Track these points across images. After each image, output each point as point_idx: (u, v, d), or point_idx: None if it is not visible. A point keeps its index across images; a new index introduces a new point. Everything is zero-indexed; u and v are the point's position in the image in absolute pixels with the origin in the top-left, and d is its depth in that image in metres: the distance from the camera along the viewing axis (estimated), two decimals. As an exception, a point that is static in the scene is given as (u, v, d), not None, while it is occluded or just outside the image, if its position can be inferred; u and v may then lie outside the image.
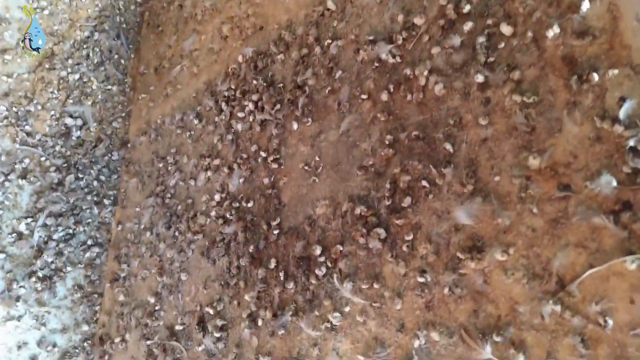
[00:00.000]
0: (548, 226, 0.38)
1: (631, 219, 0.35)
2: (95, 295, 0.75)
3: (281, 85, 0.65)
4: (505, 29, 0.46)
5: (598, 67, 0.40)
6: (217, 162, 0.69)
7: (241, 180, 0.64)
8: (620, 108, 0.37)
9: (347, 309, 0.48)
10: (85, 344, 0.72)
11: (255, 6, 0.75)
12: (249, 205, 0.62)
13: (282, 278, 0.54)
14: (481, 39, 0.47)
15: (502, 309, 0.39)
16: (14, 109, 0.84)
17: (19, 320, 0.70)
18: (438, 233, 0.44)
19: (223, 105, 0.72)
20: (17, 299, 0.70)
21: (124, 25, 1.00)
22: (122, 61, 0.97)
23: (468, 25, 0.48)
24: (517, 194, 0.40)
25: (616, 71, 0.39)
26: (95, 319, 0.74)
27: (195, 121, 0.75)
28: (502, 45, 0.46)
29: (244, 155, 0.65)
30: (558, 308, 0.36)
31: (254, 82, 0.68)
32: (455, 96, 0.47)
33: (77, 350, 0.71)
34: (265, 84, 0.67)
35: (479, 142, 0.44)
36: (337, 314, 0.48)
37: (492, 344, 0.38)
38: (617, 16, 0.40)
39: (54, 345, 0.70)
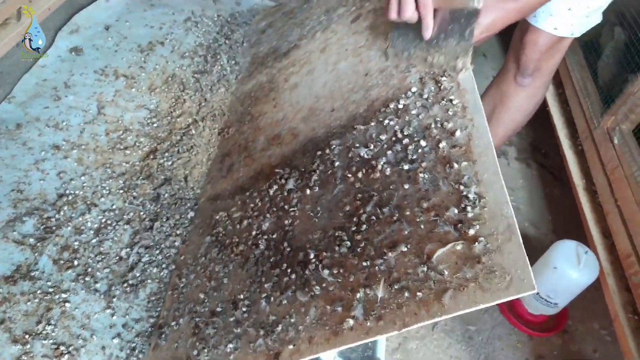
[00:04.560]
0: (426, 233, 0.75)
1: (462, 228, 0.72)
2: (162, 300, 1.09)
3: (303, 170, 1.07)
4: (423, 143, 0.88)
5: (458, 160, 0.80)
6: (256, 213, 1.08)
7: (271, 222, 1.03)
8: (463, 178, 0.77)
9: (324, 284, 0.82)
10: (151, 329, 1.04)
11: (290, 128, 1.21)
12: (274, 236, 0.99)
13: (288, 273, 0.89)
14: (411, 147, 0.89)
15: (400, 273, 0.74)
16: (127, 183, 1.28)
17: (113, 310, 1.01)
18: (377, 240, 0.81)
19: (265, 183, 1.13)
20: (114, 297, 1.03)
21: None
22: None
23: (406, 141, 0.90)
24: (415, 220, 0.78)
25: (465, 163, 0.79)
26: (159, 315, 1.07)
27: (247, 192, 1.16)
28: (420, 151, 0.87)
29: (274, 209, 1.05)
30: (425, 269, 0.71)
31: (287, 170, 1.11)
32: (394, 175, 0.88)
33: (147, 333, 1.03)
34: (292, 171, 1.09)
35: (402, 197, 0.83)
36: (318, 287, 0.82)
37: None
38: (470, 138, 0.81)
39: (132, 328, 1.00)
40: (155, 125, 1.42)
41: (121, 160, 1.32)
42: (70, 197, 1.18)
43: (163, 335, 1.01)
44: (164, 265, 1.14)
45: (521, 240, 0.65)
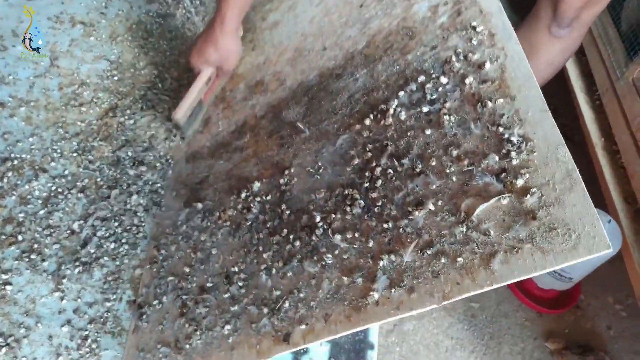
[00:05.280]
0: (460, 186, 0.63)
1: (506, 178, 0.60)
2: (120, 280, 0.94)
3: (293, 120, 0.92)
4: (443, 80, 0.74)
5: (492, 98, 0.67)
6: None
7: (262, 182, 0.89)
8: (501, 118, 0.64)
9: (336, 252, 0.70)
10: (106, 314, 0.89)
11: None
12: (268, 197, 0.86)
13: (291, 240, 0.77)
14: (429, 85, 0.75)
15: (432, 235, 0.62)
16: (82, 144, 1.10)
17: (62, 292, 0.87)
18: (397, 198, 0.68)
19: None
20: (64, 277, 0.88)
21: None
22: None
23: (421, 79, 0.77)
24: (444, 171, 0.65)
25: (502, 100, 0.66)
26: (117, 297, 0.91)
27: (229, 149, 1.01)
28: (440, 89, 0.73)
29: (268, 164, 0.91)
30: (464, 229, 0.59)
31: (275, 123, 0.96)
32: (411, 119, 0.74)
33: (101, 319, 0.87)
34: (282, 123, 0.94)
35: (424, 144, 0.70)
36: (329, 255, 0.70)
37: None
38: (503, 71, 0.68)
39: (85, 314, 0.86)
40: (116, 78, 1.22)
41: (76, 118, 1.13)
42: (15, 162, 1.00)
43: (144, 317, 0.87)
44: (123, 240, 0.99)
45: (585, 189, 0.54)
